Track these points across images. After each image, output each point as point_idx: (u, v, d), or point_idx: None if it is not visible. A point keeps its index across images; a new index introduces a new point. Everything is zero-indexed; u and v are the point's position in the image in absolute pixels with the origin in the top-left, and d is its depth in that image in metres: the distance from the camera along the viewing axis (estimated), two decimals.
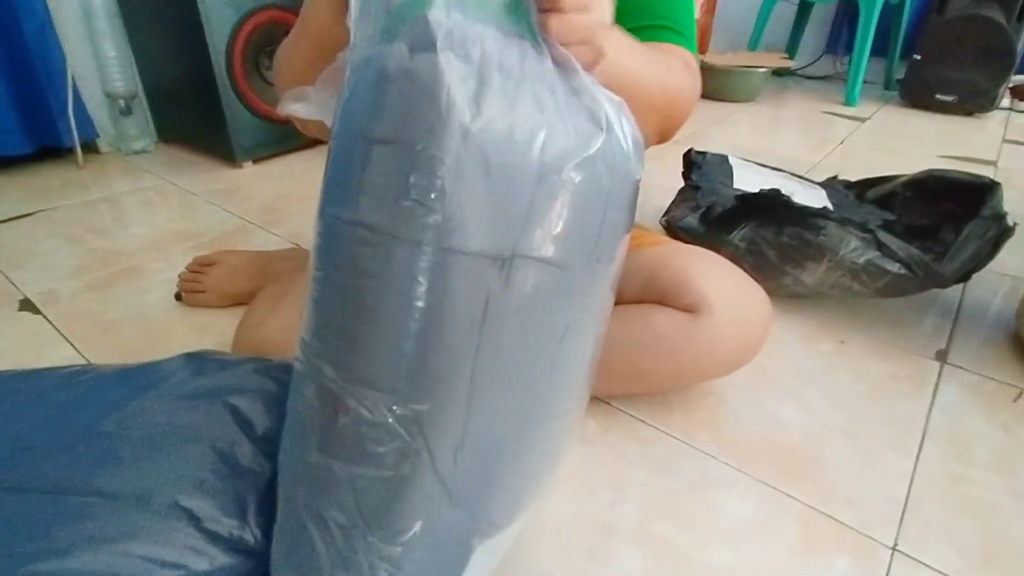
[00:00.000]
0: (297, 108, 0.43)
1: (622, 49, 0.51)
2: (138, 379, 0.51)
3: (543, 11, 0.40)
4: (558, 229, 0.38)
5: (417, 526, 0.39)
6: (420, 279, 0.36)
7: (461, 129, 0.34)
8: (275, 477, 0.46)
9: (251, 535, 0.43)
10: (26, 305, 0.96)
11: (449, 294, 0.36)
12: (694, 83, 0.64)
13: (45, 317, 0.93)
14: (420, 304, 0.36)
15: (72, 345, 0.86)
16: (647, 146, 0.63)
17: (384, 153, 0.35)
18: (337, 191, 0.38)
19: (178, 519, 0.42)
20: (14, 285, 1.02)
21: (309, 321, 0.40)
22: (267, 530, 0.44)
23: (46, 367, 0.57)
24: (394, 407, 0.37)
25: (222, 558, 0.42)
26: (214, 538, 0.42)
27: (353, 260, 0.37)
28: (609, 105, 0.41)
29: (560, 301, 0.41)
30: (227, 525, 0.43)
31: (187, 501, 0.42)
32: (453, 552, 0.42)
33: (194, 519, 0.42)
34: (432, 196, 0.35)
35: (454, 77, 0.34)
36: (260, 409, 0.49)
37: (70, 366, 0.57)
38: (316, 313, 0.39)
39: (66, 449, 0.45)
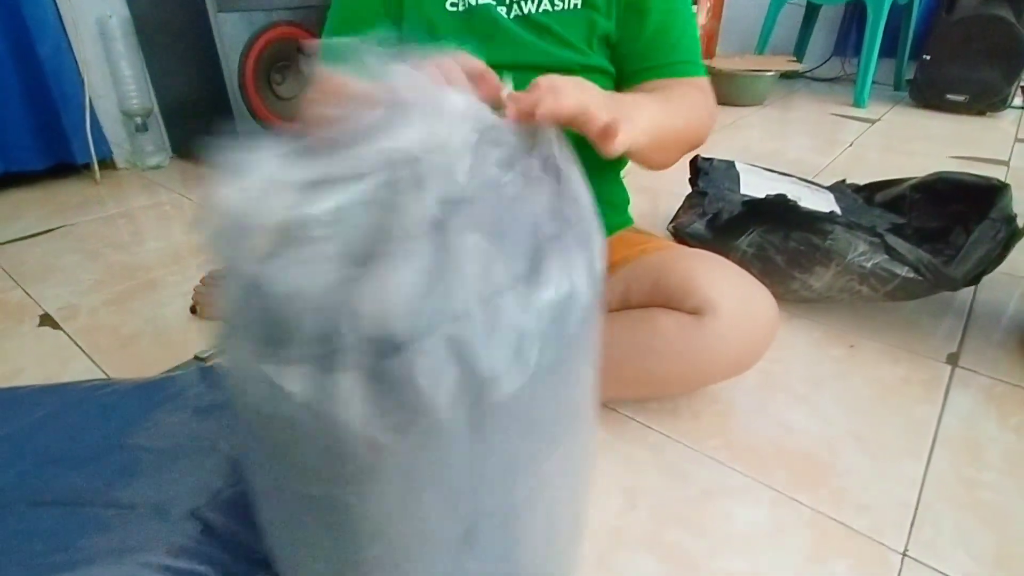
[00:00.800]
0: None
1: (649, 113, 0.56)
2: (154, 393, 0.53)
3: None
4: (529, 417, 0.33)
5: None
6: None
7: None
8: None
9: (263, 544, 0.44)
10: (46, 320, 0.98)
11: None
12: (710, 105, 0.70)
13: (65, 332, 0.95)
14: None
15: (91, 359, 0.88)
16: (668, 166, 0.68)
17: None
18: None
19: (194, 529, 0.43)
20: (34, 300, 1.04)
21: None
22: None
23: (66, 382, 0.59)
24: None
25: (235, 566, 0.43)
26: (228, 547, 0.43)
27: None
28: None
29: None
30: (241, 534, 0.44)
31: (202, 511, 0.44)
32: None
33: (209, 528, 0.43)
34: None
35: (365, 413, 0.26)
36: None
37: (89, 381, 0.58)
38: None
39: (86, 462, 0.46)
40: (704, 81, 0.71)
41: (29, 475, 0.45)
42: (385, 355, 0.26)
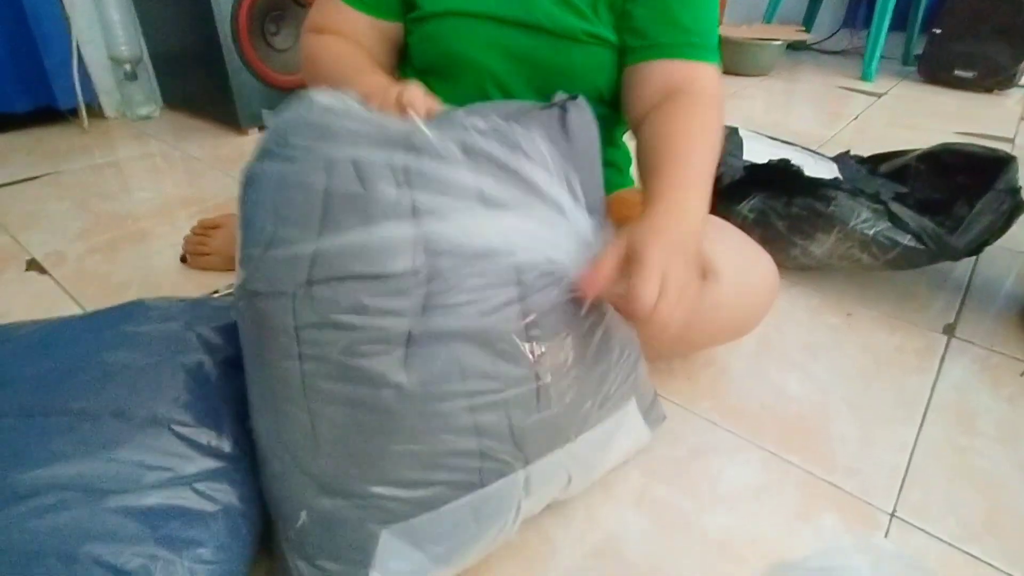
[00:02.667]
0: None
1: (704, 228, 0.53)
2: (109, 317, 0.53)
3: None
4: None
5: (303, 515, 0.44)
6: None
7: None
8: (242, 394, 0.49)
9: (227, 444, 0.46)
10: (33, 265, 0.96)
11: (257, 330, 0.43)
12: (720, 115, 0.62)
13: (52, 277, 0.93)
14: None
15: (80, 305, 0.87)
16: None
17: None
18: None
19: (159, 430, 0.44)
20: (21, 246, 1.02)
21: None
22: (239, 440, 0.47)
23: (26, 320, 0.57)
24: (262, 427, 0.46)
25: (205, 462, 0.44)
26: (194, 446, 0.44)
27: None
28: None
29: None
30: (204, 435, 0.45)
31: (165, 414, 0.44)
32: (351, 535, 0.44)
33: (173, 430, 0.44)
34: None
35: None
36: (221, 337, 0.52)
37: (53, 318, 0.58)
38: None
39: (41, 379, 0.46)
40: (713, 74, 0.64)
41: None
42: None
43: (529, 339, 0.45)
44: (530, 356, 0.45)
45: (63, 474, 0.39)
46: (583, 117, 0.52)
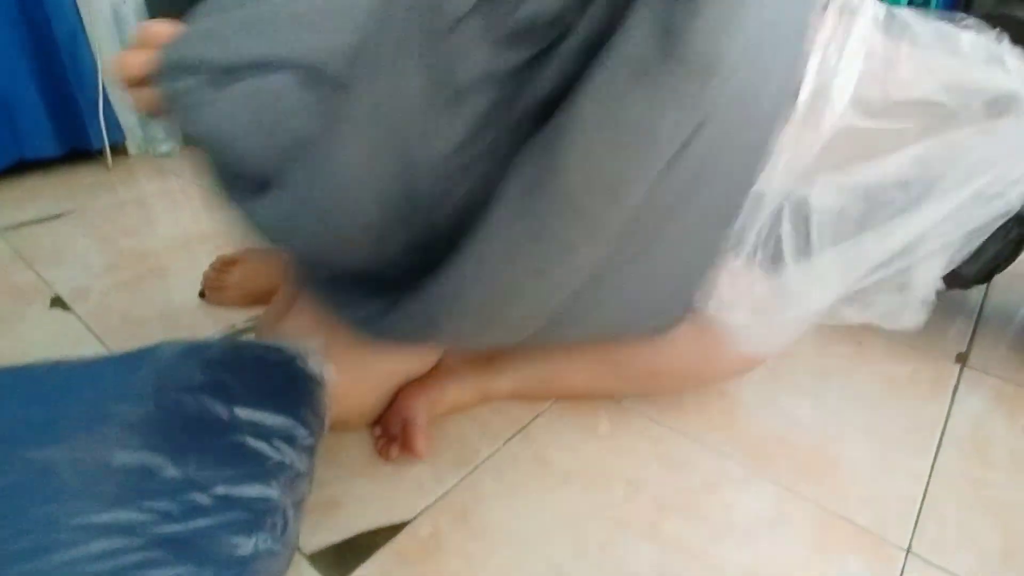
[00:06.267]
0: None
1: None
2: (118, 364, 0.57)
3: None
4: None
5: None
6: None
7: None
8: (245, 432, 0.50)
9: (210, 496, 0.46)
10: (57, 302, 0.99)
11: None
12: None
13: (75, 314, 0.96)
14: None
15: (101, 342, 0.89)
16: None
17: None
18: None
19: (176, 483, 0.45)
20: (46, 282, 1.05)
21: None
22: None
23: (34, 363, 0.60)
24: None
25: (220, 516, 0.45)
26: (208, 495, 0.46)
27: None
28: None
29: None
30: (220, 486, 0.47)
31: (187, 472, 0.46)
32: None
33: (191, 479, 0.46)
34: None
35: None
36: (231, 380, 0.55)
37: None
38: None
39: (43, 429, 0.48)
40: None
41: None
42: None
43: None
44: None
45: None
46: None
